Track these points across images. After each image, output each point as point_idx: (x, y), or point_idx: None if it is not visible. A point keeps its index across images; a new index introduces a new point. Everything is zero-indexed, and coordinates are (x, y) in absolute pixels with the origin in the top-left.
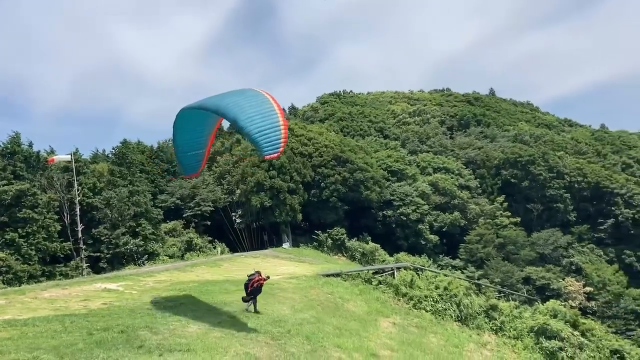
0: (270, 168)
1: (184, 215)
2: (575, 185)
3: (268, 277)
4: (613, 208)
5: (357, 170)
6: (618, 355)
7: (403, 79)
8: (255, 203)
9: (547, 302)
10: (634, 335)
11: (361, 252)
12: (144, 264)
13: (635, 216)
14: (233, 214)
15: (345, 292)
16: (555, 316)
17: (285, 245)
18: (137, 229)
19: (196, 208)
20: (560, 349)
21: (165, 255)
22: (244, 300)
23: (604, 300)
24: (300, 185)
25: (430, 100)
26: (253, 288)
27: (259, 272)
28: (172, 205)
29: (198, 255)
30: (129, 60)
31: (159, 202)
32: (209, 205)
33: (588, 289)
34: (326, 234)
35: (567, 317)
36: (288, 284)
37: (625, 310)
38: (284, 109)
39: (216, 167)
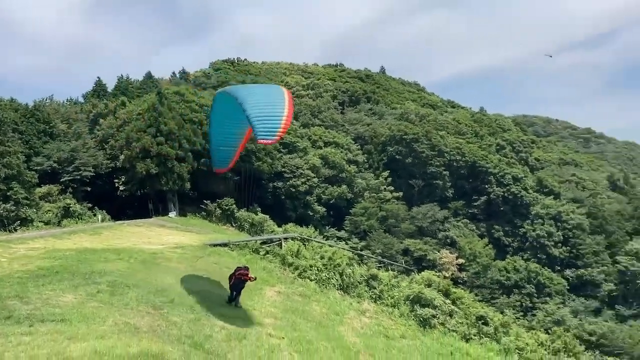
0: (158, 134)
1: (61, 180)
2: (454, 163)
3: (255, 279)
4: (486, 186)
5: (248, 141)
6: (482, 320)
7: (299, 51)
8: (140, 170)
9: (423, 273)
10: (497, 302)
11: (250, 222)
12: (15, 231)
13: (505, 194)
14: (116, 180)
15: (233, 262)
16: (429, 285)
17: (172, 214)
18: (8, 193)
19: (75, 173)
20: (433, 316)
21: (40, 221)
22: (231, 298)
23: (474, 271)
24: (190, 154)
25: (324, 75)
26: (237, 280)
27: (247, 268)
28: (49, 169)
29: (77, 223)
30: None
31: (34, 165)
32: (90, 171)
33: (460, 260)
34: (215, 204)
35: (440, 286)
36: (173, 253)
37: (492, 281)
38: (174, 74)
39: (98, 131)
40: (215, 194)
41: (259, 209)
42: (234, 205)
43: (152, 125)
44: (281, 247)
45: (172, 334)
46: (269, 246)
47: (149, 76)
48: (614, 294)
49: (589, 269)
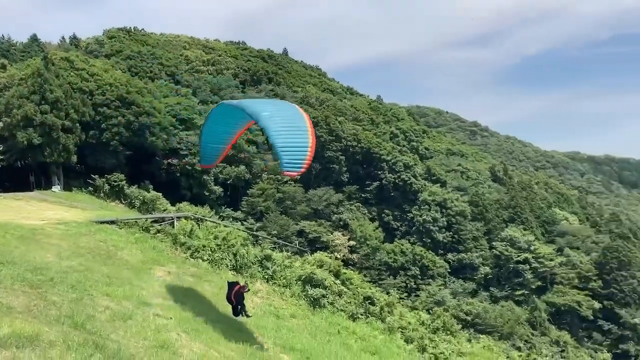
0: (43, 102)
1: None
2: (350, 149)
3: (249, 290)
4: (379, 172)
5: (143, 114)
6: (369, 301)
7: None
8: (21, 140)
9: (316, 254)
10: (384, 283)
11: (141, 200)
12: None
13: (397, 181)
14: None
15: (120, 240)
16: (321, 266)
17: (55, 188)
18: None
19: None
20: (323, 296)
21: None
22: (236, 314)
23: (364, 253)
24: (78, 125)
25: (225, 52)
26: (239, 296)
27: (238, 282)
28: None
29: None
30: None
31: None
32: None
33: (352, 242)
34: (104, 179)
35: (331, 267)
36: (55, 230)
37: (380, 263)
38: (64, 39)
39: None
40: (104, 169)
41: (151, 186)
42: (124, 182)
43: (37, 92)
44: (173, 227)
45: (50, 314)
46: (160, 225)
47: (34, 39)
48: (489, 276)
49: (469, 253)
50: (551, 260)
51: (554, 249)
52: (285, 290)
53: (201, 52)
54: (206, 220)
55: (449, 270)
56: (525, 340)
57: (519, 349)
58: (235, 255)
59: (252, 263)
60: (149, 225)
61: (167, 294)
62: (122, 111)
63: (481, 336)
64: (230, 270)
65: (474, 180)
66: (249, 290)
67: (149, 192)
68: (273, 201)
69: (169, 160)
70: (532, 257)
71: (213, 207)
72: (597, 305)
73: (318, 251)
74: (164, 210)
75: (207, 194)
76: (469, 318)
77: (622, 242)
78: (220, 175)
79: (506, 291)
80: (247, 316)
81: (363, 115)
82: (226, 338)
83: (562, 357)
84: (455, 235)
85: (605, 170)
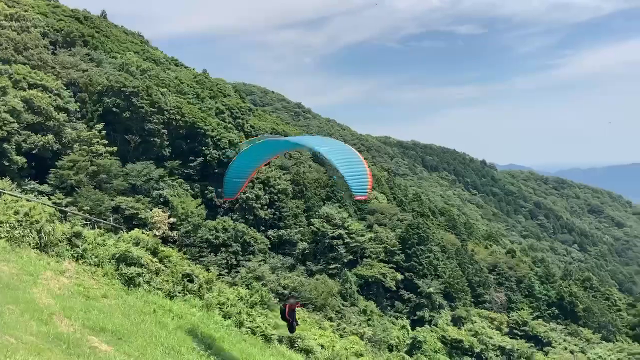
0: None
1: None
2: (174, 122)
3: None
4: (204, 148)
5: None
6: (188, 278)
7: None
8: None
9: (132, 231)
10: (204, 260)
11: None
12: None
13: (221, 157)
14: None
15: None
16: (137, 244)
17: None
18: None
19: None
20: (139, 274)
21: None
22: (292, 330)
23: (185, 230)
24: None
25: (33, 7)
26: (292, 312)
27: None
28: None
29: None
30: None
31: None
32: None
33: (172, 219)
34: None
35: (148, 245)
36: None
37: (201, 240)
38: None
39: None
40: None
41: None
42: None
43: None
44: None
45: None
46: None
47: None
48: (307, 251)
49: (289, 229)
50: (362, 236)
51: (364, 226)
52: (97, 270)
53: (3, 5)
54: (5, 193)
55: (269, 246)
56: (337, 311)
57: (330, 319)
58: (39, 232)
59: (60, 241)
60: None
61: None
62: None
63: (298, 308)
64: (34, 248)
65: (296, 159)
66: (302, 305)
67: None
68: (86, 174)
69: None
70: (346, 233)
71: (15, 180)
72: (399, 276)
73: (135, 228)
74: None
75: (7, 164)
76: (286, 292)
77: (422, 219)
78: (23, 145)
79: (321, 265)
80: (298, 324)
81: (188, 89)
82: (24, 322)
83: (368, 325)
84: (277, 212)
85: (411, 154)
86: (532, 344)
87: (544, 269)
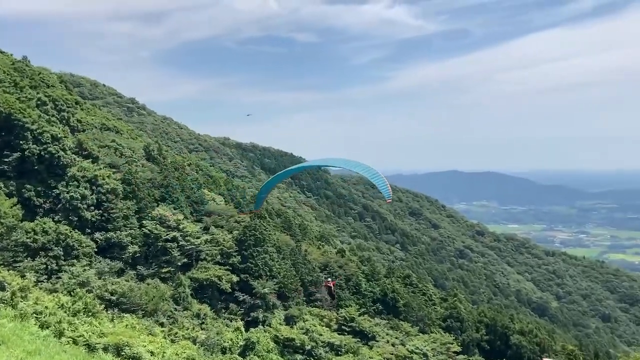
0: None
1: None
2: None
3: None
4: (21, 142)
5: None
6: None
7: None
8: None
9: None
10: (20, 266)
11: None
12: None
13: (42, 152)
14: None
15: None
16: None
17: None
18: None
19: None
20: None
21: None
22: (333, 298)
23: None
24: None
25: None
26: (329, 288)
27: (331, 277)
28: None
29: None
30: None
31: None
32: None
33: None
34: None
35: None
36: None
37: (16, 243)
38: None
39: None
40: None
41: None
42: None
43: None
44: None
45: None
46: None
47: None
48: (137, 255)
49: (118, 232)
50: (197, 238)
51: (200, 228)
52: None
53: None
54: None
55: (96, 250)
56: (169, 316)
57: (162, 324)
58: None
59: None
60: None
61: None
62: None
63: (125, 315)
64: None
65: (127, 157)
66: (335, 284)
67: None
68: None
69: None
70: (180, 236)
71: None
72: (235, 278)
73: None
74: None
75: None
76: (114, 298)
77: (259, 221)
78: None
79: (153, 269)
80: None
81: (4, 76)
82: None
83: (202, 329)
84: (105, 214)
85: (250, 156)
86: (359, 339)
87: (370, 267)
